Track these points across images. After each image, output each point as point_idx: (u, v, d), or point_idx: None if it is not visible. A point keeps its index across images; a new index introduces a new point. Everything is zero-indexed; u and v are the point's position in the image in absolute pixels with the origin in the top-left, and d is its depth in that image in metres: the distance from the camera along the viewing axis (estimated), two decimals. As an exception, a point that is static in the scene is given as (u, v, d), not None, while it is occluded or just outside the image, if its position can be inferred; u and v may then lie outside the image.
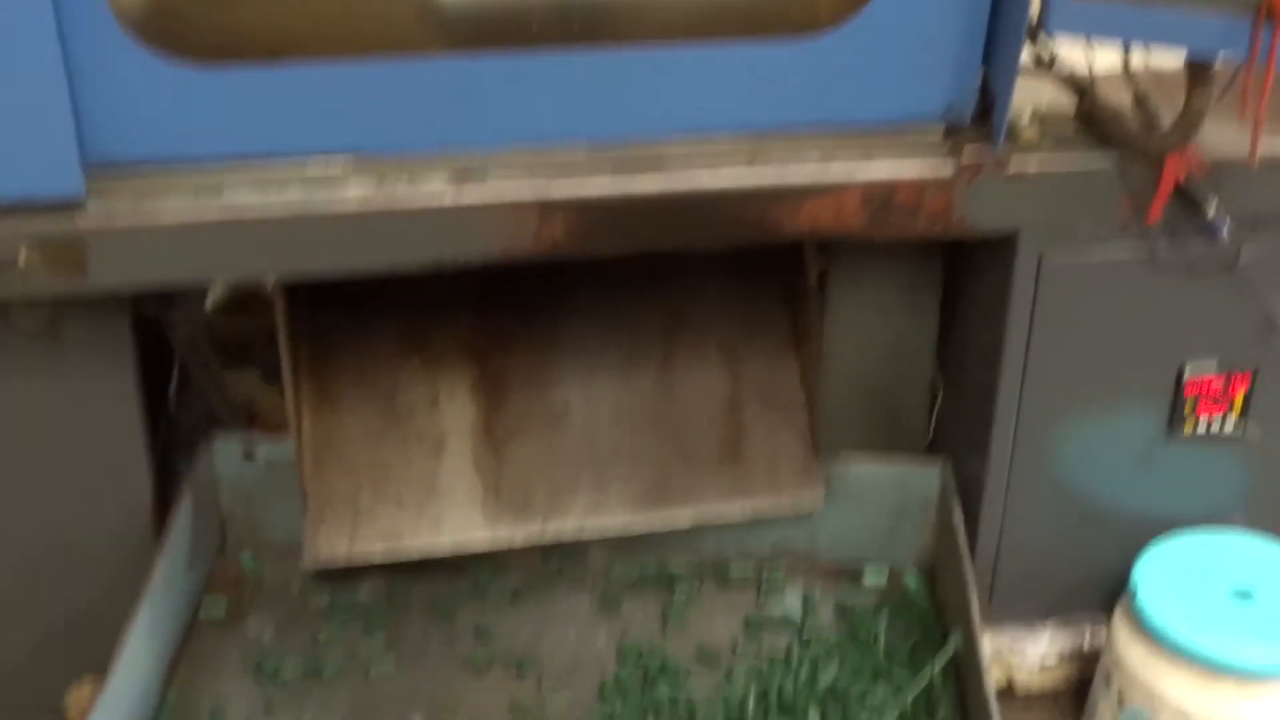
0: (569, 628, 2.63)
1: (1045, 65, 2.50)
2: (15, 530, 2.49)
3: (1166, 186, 2.28)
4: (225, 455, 2.67)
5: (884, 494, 2.72)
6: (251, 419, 2.82)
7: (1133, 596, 2.50)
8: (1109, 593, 2.65)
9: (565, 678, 2.52)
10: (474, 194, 2.19)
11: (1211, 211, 2.30)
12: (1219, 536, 2.61)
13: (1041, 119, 2.38)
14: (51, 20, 1.97)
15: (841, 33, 2.22)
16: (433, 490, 2.64)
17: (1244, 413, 2.56)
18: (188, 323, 2.69)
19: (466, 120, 2.21)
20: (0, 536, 2.49)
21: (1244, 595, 2.47)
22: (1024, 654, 2.76)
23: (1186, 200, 2.32)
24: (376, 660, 2.54)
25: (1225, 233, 2.31)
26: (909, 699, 2.42)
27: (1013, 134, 2.32)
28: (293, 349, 2.55)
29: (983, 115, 2.30)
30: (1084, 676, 2.73)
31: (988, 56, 2.26)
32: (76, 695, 2.48)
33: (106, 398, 2.42)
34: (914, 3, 2.21)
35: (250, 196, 2.15)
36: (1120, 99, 2.37)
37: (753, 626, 2.63)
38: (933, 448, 2.79)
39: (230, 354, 2.84)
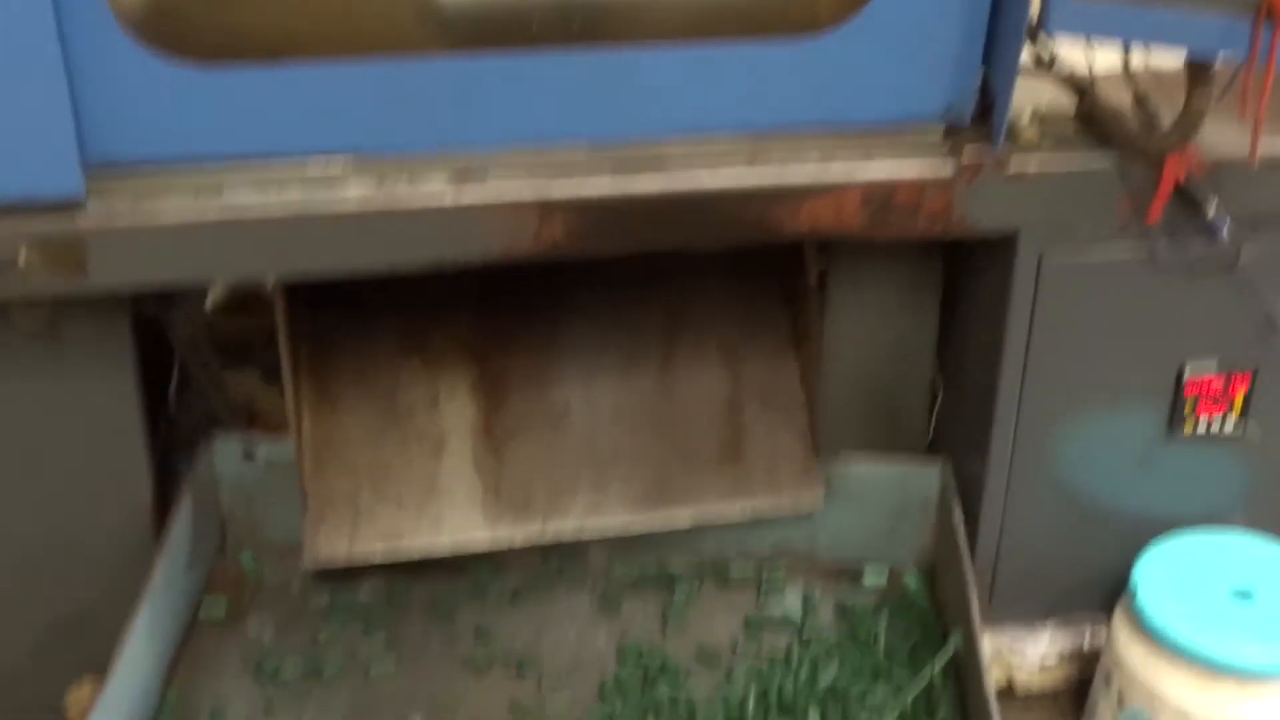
0: (569, 628, 2.64)
1: (1045, 65, 2.50)
2: (15, 530, 2.49)
3: (1166, 186, 2.28)
4: (225, 455, 2.67)
5: (884, 494, 2.72)
6: (251, 419, 2.82)
7: (1133, 596, 2.50)
8: (1109, 593, 2.65)
9: (565, 678, 2.52)
10: (474, 194, 2.19)
11: (1211, 211, 2.30)
12: (1219, 536, 2.61)
13: (1041, 119, 2.38)
14: (51, 20, 1.98)
15: (841, 33, 2.22)
16: (433, 490, 2.64)
17: (1244, 413, 2.56)
18: (188, 323, 2.69)
19: (466, 120, 2.21)
20: (1, 536, 2.49)
21: (1244, 595, 2.47)
22: (1024, 654, 2.76)
23: (1186, 200, 2.32)
24: (376, 660, 2.54)
25: (1225, 233, 2.31)
26: (909, 699, 2.42)
27: (1013, 134, 2.32)
28: (293, 349, 2.55)
29: (983, 115, 2.30)
30: (1084, 676, 2.73)
31: (988, 56, 2.26)
32: (76, 695, 2.48)
33: (106, 398, 2.42)
34: (914, 3, 2.21)
35: (250, 196, 2.15)
36: (1120, 99, 2.37)
37: (753, 626, 2.63)
38: (933, 448, 2.79)
39: (230, 354, 2.84)
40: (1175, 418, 2.55)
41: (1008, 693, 2.76)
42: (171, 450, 2.64)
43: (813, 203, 2.26)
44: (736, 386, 2.75)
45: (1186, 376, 2.51)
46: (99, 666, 2.23)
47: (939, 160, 2.28)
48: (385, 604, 2.66)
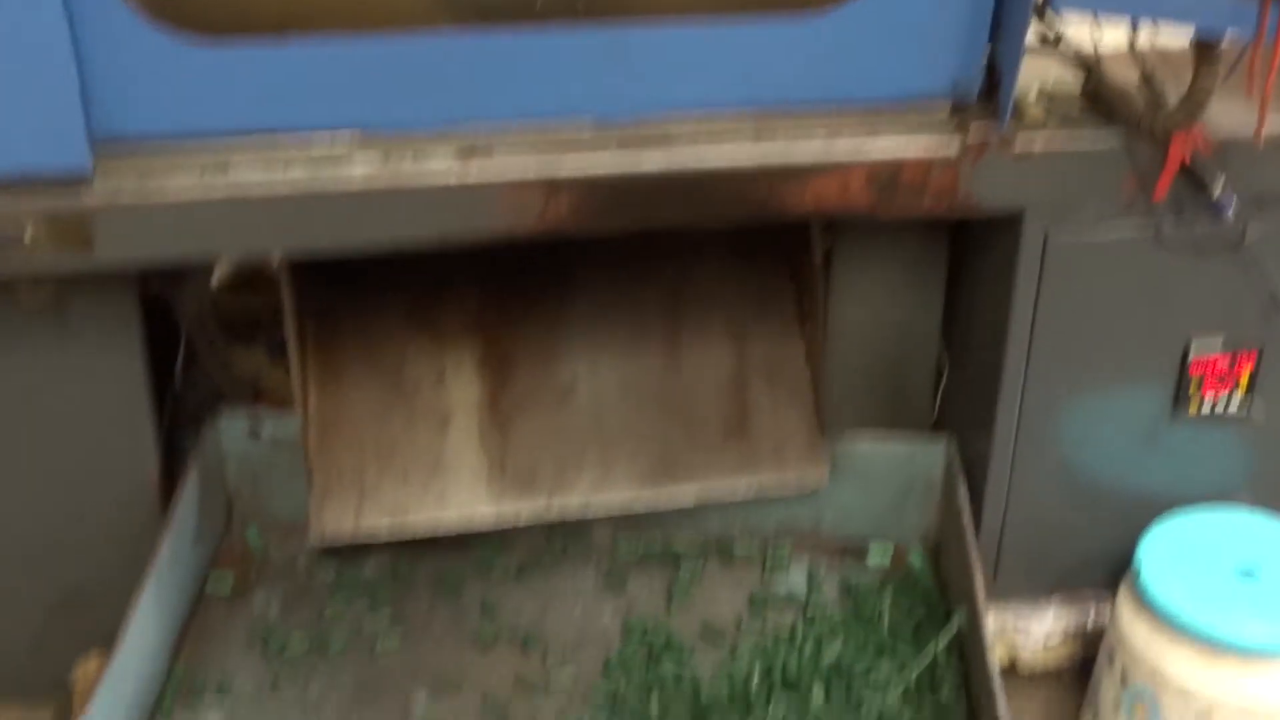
0: (574, 604, 2.64)
1: (1051, 43, 2.50)
2: (23, 506, 2.50)
3: (1172, 165, 2.28)
4: (231, 432, 2.68)
5: (889, 472, 2.73)
6: (257, 396, 2.82)
7: (1137, 574, 2.50)
8: (1113, 571, 2.66)
9: (570, 653, 2.53)
10: (479, 171, 2.19)
11: (1217, 190, 2.29)
12: (1223, 515, 2.61)
13: (1048, 97, 2.37)
14: (59, -4, 1.98)
15: (847, 10, 2.22)
16: (438, 466, 2.65)
17: (1249, 391, 2.56)
18: (194, 300, 2.70)
19: (472, 97, 2.21)
20: (8, 513, 2.50)
21: (1248, 573, 2.48)
22: (1028, 632, 2.77)
23: (1192, 179, 2.31)
24: (382, 635, 2.55)
25: (1231, 211, 2.31)
26: (913, 676, 2.43)
27: (1019, 112, 2.31)
28: (298, 326, 2.55)
29: (989, 93, 2.30)
30: (1087, 654, 2.74)
31: (994, 34, 2.25)
32: (83, 669, 2.49)
33: (113, 374, 2.43)
34: (920, -20, 2.21)
35: (256, 173, 2.15)
36: (1127, 77, 2.36)
37: (757, 603, 2.64)
38: (938, 426, 2.79)
39: (236, 331, 2.85)
40: (1180, 396, 2.55)
41: (1011, 670, 2.77)
42: (178, 427, 2.64)
43: (818, 181, 2.26)
44: (742, 364, 2.75)
45: (1192, 355, 2.51)
46: (106, 641, 2.25)
47: (945, 138, 2.28)
48: (391, 580, 2.67)
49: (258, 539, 2.72)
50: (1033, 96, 2.34)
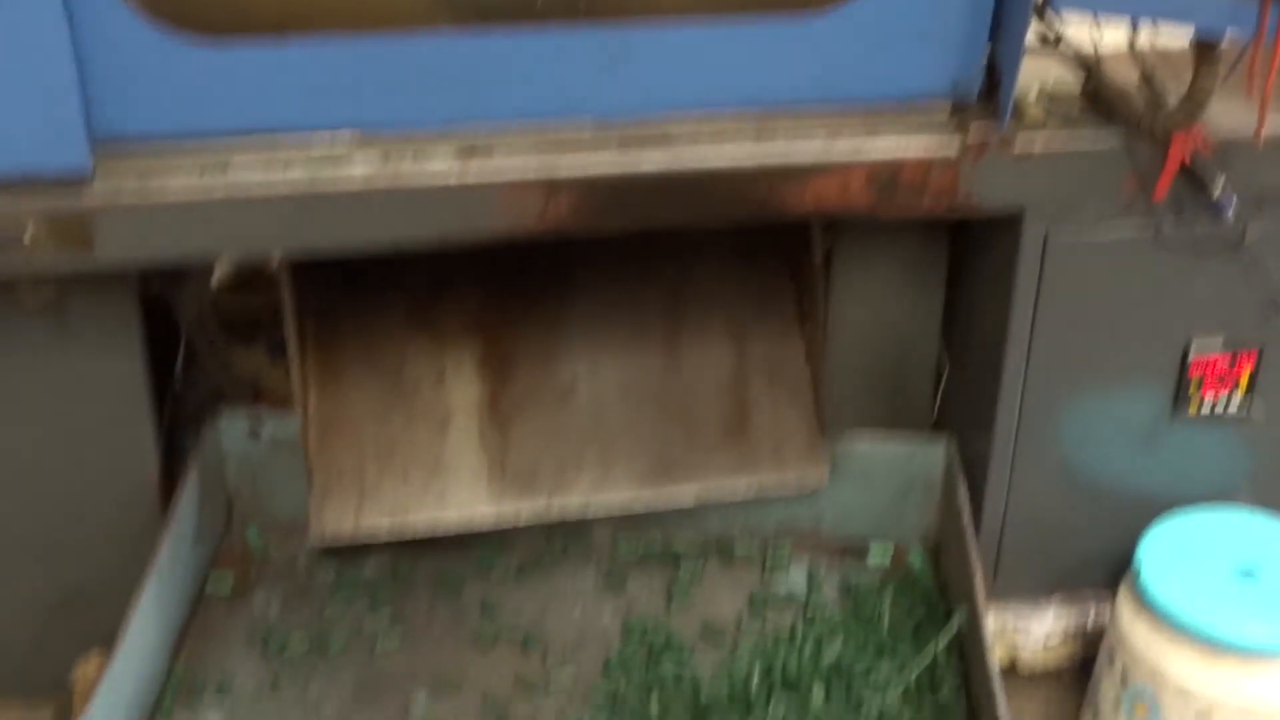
0: (574, 604, 2.64)
1: (1052, 43, 2.50)
2: (23, 506, 2.50)
3: (1172, 165, 2.28)
4: (231, 432, 2.68)
5: (889, 472, 2.73)
6: (257, 396, 2.83)
7: (1137, 574, 2.50)
8: (1113, 571, 2.66)
9: (570, 653, 2.53)
10: (479, 171, 2.19)
11: (1217, 190, 2.29)
12: (1223, 515, 2.61)
13: (1048, 97, 2.37)
14: (58, -4, 1.98)
15: (847, 10, 2.22)
16: (438, 466, 2.65)
17: (1249, 391, 2.56)
18: (194, 300, 2.70)
19: (472, 97, 2.21)
20: (9, 512, 2.50)
21: (1248, 573, 2.48)
22: (1028, 632, 2.77)
23: (1192, 179, 2.31)
24: (382, 635, 2.55)
25: (1231, 211, 2.30)
26: (912, 676, 2.43)
27: (1019, 112, 2.31)
28: (298, 326, 2.55)
29: (989, 93, 2.30)
30: (1087, 654, 2.74)
31: (994, 34, 2.25)
32: (83, 669, 2.49)
33: (113, 374, 2.43)
34: (920, -20, 2.21)
35: (256, 173, 2.16)
36: (1127, 77, 2.36)
37: (757, 603, 2.64)
38: (938, 426, 2.79)
39: (236, 331, 2.85)
40: (1180, 396, 2.55)
41: (1011, 670, 2.77)
42: (178, 427, 2.65)
43: (818, 181, 2.26)
44: (742, 364, 2.75)
45: (1192, 355, 2.51)
46: (105, 641, 2.25)
47: (945, 138, 2.28)
48: (391, 580, 2.67)
49: (258, 539, 2.72)
50: (1033, 96, 2.34)
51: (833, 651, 2.48)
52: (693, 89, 2.27)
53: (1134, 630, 2.49)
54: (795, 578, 2.70)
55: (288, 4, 2.17)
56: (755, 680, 2.41)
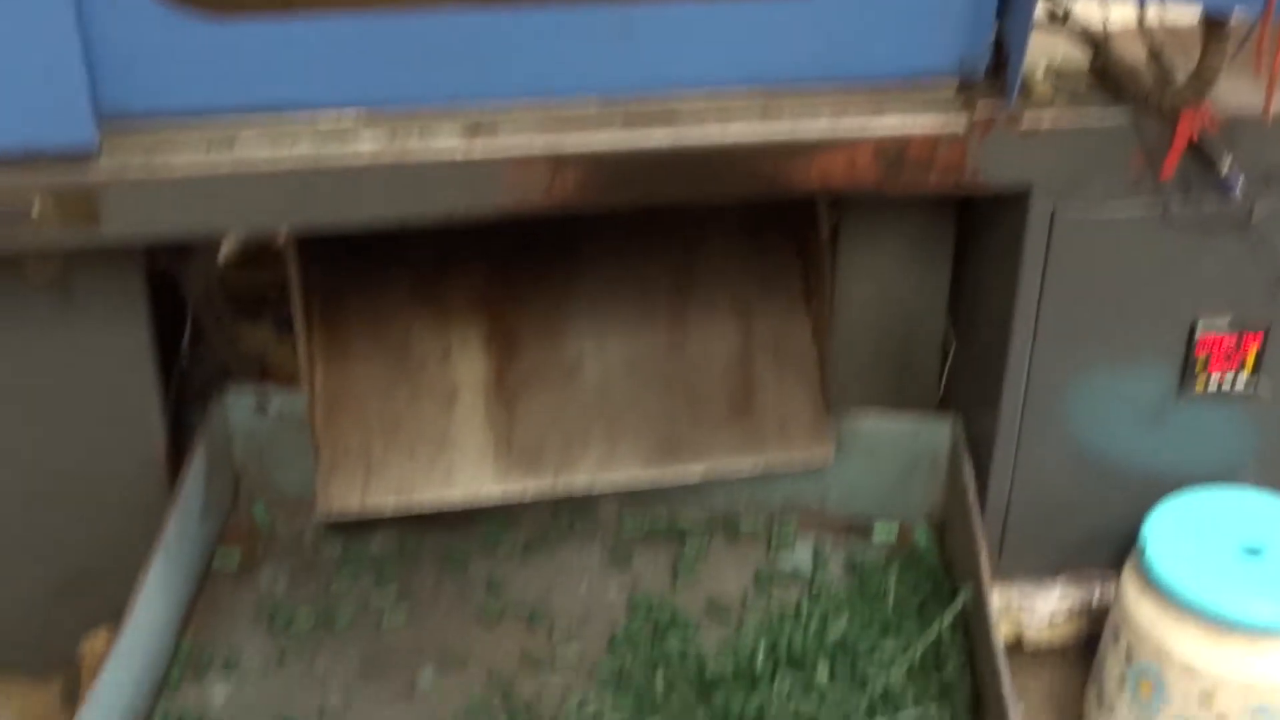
0: (580, 580, 2.65)
1: (1059, 20, 2.49)
2: (30, 482, 2.51)
3: (1180, 143, 2.27)
4: (238, 408, 2.68)
5: (895, 449, 2.73)
6: (264, 372, 2.83)
7: (1142, 552, 2.51)
8: (1119, 549, 2.66)
9: (576, 629, 2.54)
10: (485, 147, 2.19)
11: (1225, 168, 2.28)
12: (1229, 493, 2.61)
13: (1055, 74, 2.37)
14: (65, -29, 1.98)
15: (854, -14, 2.22)
16: (444, 443, 2.66)
17: (1256, 370, 2.55)
18: (200, 276, 2.70)
19: (478, 74, 2.21)
20: (15, 488, 2.51)
21: (1254, 552, 2.48)
22: (1033, 610, 2.77)
23: (1200, 157, 2.30)
24: (388, 611, 2.56)
25: (1239, 189, 2.30)
26: (917, 653, 2.43)
27: (1026, 89, 2.30)
28: (305, 302, 2.55)
29: (996, 70, 2.29)
30: (1093, 632, 2.74)
31: (1002, 11, 2.25)
32: (91, 644, 2.50)
33: (119, 350, 2.43)
34: (927, -44, 2.20)
35: (262, 149, 2.16)
36: (1135, 54, 2.36)
37: (763, 580, 2.64)
38: (943, 403, 2.79)
39: (243, 307, 2.85)
40: (1187, 375, 2.54)
41: (1016, 648, 2.77)
42: (184, 403, 2.65)
43: (825, 157, 2.25)
44: (748, 341, 2.75)
45: (1198, 334, 2.50)
46: (113, 617, 2.26)
47: (952, 115, 2.27)
48: (397, 555, 2.68)
49: (264, 514, 2.73)
50: (1040, 73, 2.33)
51: (838, 628, 2.49)
52: (698, 66, 2.26)
53: (1139, 608, 2.49)
54: (800, 555, 2.71)
55: (295, -21, 2.17)
56: (760, 657, 2.42)
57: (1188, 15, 2.24)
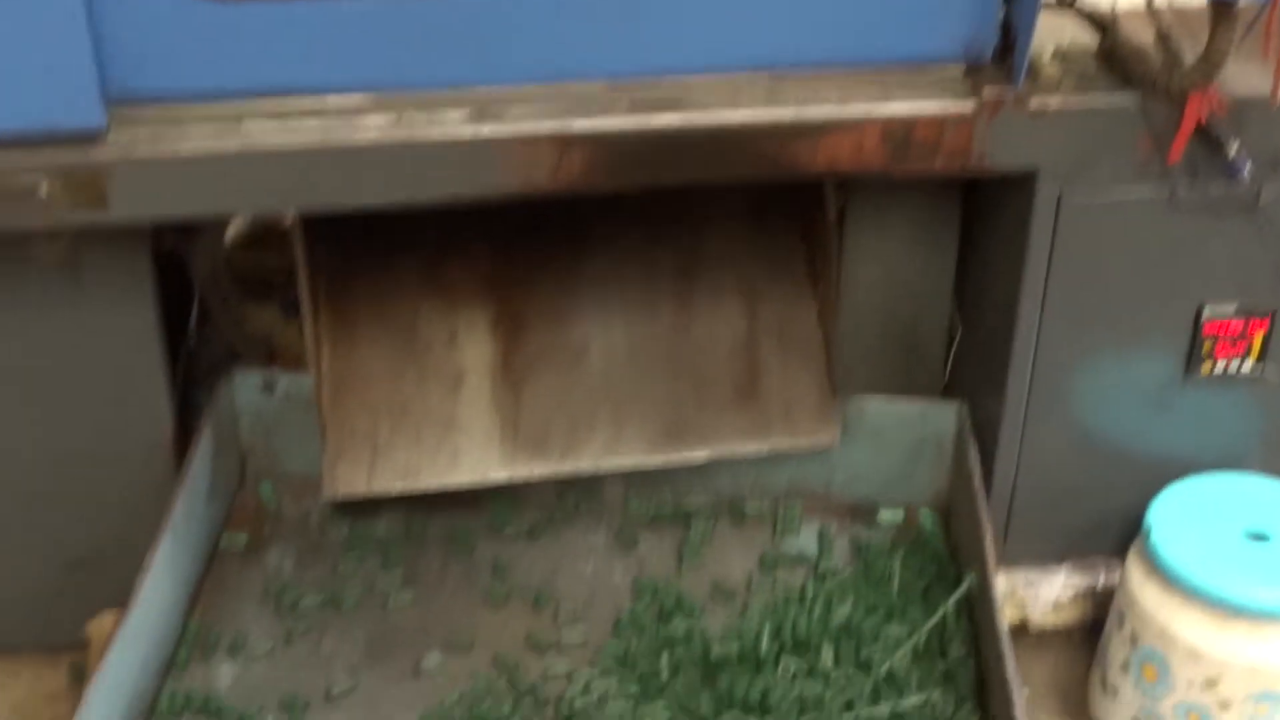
0: (585, 563, 2.66)
1: (1067, 2, 2.49)
2: (37, 462, 2.52)
3: (1188, 126, 2.27)
4: (245, 389, 2.69)
5: (900, 433, 2.73)
6: (271, 354, 2.83)
7: (1147, 537, 2.50)
8: (1124, 534, 2.66)
9: (581, 612, 2.55)
10: (492, 130, 2.19)
11: (1233, 152, 2.28)
12: (1235, 478, 2.61)
13: (1063, 57, 2.36)
14: (72, -48, 1.98)
15: (861, -31, 2.22)
16: (450, 426, 2.66)
17: (1262, 355, 2.55)
18: (208, 257, 2.70)
19: (485, 57, 2.21)
20: (22, 469, 2.52)
21: (1259, 537, 2.48)
22: (1037, 594, 2.77)
23: (1208, 140, 2.30)
24: (395, 592, 2.57)
25: (1246, 173, 2.29)
26: (922, 637, 2.43)
27: (1034, 72, 2.30)
28: (312, 284, 2.56)
29: (1004, 53, 2.28)
30: (1097, 616, 2.74)
31: (1010, -7, 2.25)
32: (98, 624, 2.51)
33: (127, 331, 2.44)
34: (935, -61, 2.20)
35: (269, 130, 2.16)
36: (1143, 37, 2.35)
37: (768, 563, 2.65)
38: (949, 388, 2.79)
39: (250, 288, 2.85)
40: (1193, 359, 2.54)
41: (1020, 632, 2.77)
42: (192, 384, 2.66)
43: (832, 139, 2.25)
44: (754, 325, 2.75)
45: (1205, 318, 2.50)
46: (121, 597, 2.26)
47: (959, 98, 2.26)
48: (403, 537, 2.69)
49: (271, 495, 2.74)
50: (1048, 56, 2.33)
51: (842, 612, 2.49)
52: (705, 49, 2.26)
53: (1144, 593, 2.49)
54: (806, 538, 2.71)
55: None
56: (765, 640, 2.42)
57: (1196, -2, 2.24)
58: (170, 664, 2.40)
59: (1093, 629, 2.74)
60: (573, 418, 2.69)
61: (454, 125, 2.19)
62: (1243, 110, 2.28)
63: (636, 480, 2.74)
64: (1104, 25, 2.40)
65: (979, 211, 2.62)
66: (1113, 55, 2.36)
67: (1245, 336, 2.52)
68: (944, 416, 2.71)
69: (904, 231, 2.65)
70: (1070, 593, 2.77)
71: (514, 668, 2.42)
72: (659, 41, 2.24)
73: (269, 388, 2.68)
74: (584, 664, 2.44)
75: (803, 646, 2.43)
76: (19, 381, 2.44)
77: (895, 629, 2.45)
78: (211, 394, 2.63)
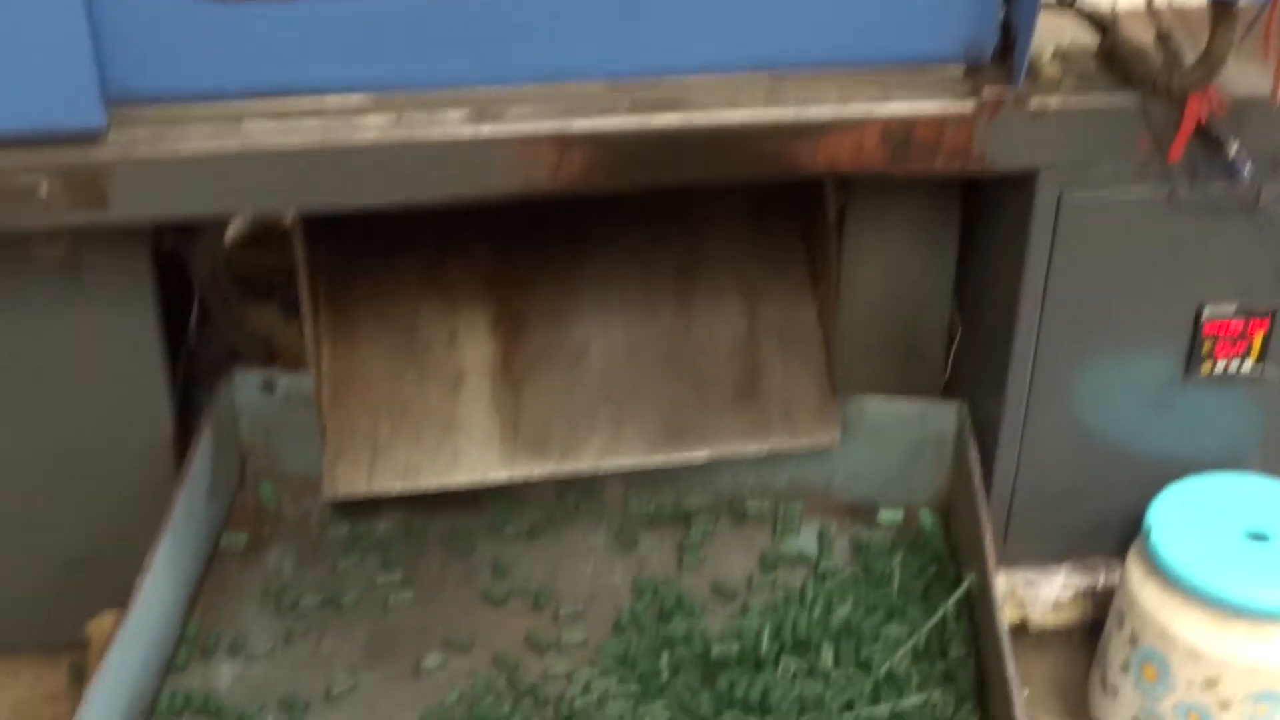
0: (586, 563, 2.66)
1: (1067, 2, 2.49)
2: (37, 462, 2.52)
3: (1188, 126, 2.27)
4: (245, 388, 2.69)
5: (901, 433, 2.73)
6: (271, 354, 2.83)
7: (1147, 537, 2.50)
8: (1124, 534, 2.66)
9: (581, 612, 2.55)
10: (492, 129, 2.19)
11: (1233, 151, 2.28)
12: (1235, 479, 2.61)
13: (1063, 57, 2.36)
14: (72, -48, 1.98)
15: (862, -32, 2.21)
16: (450, 426, 2.66)
17: (1262, 355, 2.55)
18: (208, 256, 2.70)
19: (485, 57, 2.21)
20: (22, 469, 2.52)
21: (1258, 537, 2.47)
22: (1037, 594, 2.77)
23: (1208, 140, 2.30)
24: (395, 592, 2.57)
25: (1246, 173, 2.29)
26: (922, 637, 2.43)
27: (1034, 72, 2.30)
28: (312, 284, 2.56)
29: (1004, 53, 2.28)
30: (1097, 616, 2.74)
31: (1010, -6, 2.25)
32: (98, 624, 2.51)
33: (127, 330, 2.44)
34: (934, -61, 2.20)
35: (269, 130, 2.16)
36: (1143, 37, 2.35)
37: (768, 563, 2.65)
38: (949, 387, 2.79)
39: (250, 288, 2.85)
40: (1193, 359, 2.54)
41: (1020, 632, 2.77)
42: (192, 383, 2.66)
43: (832, 138, 2.25)
44: (754, 325, 2.75)
45: (1205, 318, 2.50)
46: (120, 598, 2.26)
47: (959, 98, 2.26)
48: (403, 537, 2.69)
49: (271, 495, 2.74)
50: (1048, 56, 2.33)
51: (842, 612, 2.49)
52: (705, 49, 2.26)
53: (1144, 593, 2.49)
54: (806, 538, 2.71)
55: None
56: (765, 640, 2.42)
57: (1196, -2, 2.24)
58: (170, 664, 2.40)
59: (1093, 629, 2.74)
60: (573, 417, 2.69)
61: (454, 125, 2.19)
62: (1243, 110, 2.28)
63: (637, 480, 2.74)
64: (1104, 25, 2.40)
65: (979, 211, 2.62)
66: (1113, 55, 2.36)
67: (1245, 336, 2.52)
68: (944, 416, 2.71)
69: (904, 231, 2.65)
70: (1070, 593, 2.77)
71: (514, 667, 2.42)
72: (659, 42, 2.24)
73: (269, 388, 2.68)
74: (584, 664, 2.43)
75: (803, 646, 2.43)
76: (19, 381, 2.44)
77: (895, 629, 2.45)
78: (211, 394, 2.63)
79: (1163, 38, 2.32)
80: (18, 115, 2.08)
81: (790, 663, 2.38)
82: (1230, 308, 2.49)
